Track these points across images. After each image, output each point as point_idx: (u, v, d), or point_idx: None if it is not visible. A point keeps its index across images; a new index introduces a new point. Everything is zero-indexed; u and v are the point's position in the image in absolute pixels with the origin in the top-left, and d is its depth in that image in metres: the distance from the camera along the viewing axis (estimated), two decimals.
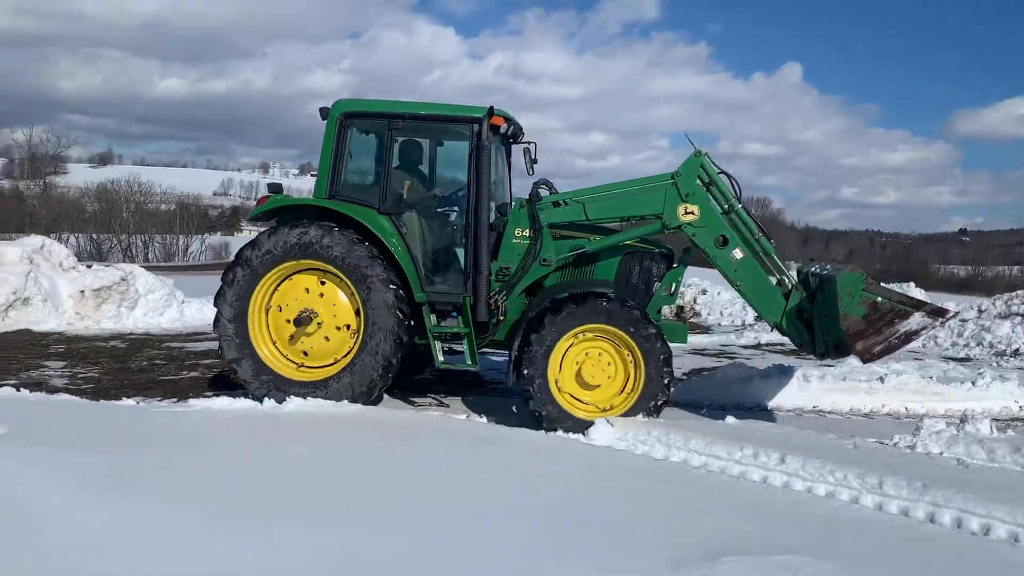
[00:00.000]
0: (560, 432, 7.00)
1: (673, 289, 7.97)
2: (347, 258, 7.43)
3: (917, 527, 4.87)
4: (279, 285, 7.68)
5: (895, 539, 4.61)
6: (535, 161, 8.30)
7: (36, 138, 68.96)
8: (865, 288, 6.71)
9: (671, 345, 7.26)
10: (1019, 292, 16.68)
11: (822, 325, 7.20)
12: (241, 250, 7.68)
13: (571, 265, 7.87)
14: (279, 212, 7.95)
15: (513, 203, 8.00)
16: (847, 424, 8.08)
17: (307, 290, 7.63)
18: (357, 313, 7.57)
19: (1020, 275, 72.36)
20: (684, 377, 9.97)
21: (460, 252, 7.83)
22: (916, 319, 6.72)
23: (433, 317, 7.69)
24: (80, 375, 9.34)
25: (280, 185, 8.31)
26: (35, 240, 14.82)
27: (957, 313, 6.51)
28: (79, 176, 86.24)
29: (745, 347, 14.13)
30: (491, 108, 7.58)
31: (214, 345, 12.06)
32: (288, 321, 7.57)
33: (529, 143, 8.33)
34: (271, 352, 7.68)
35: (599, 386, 7.19)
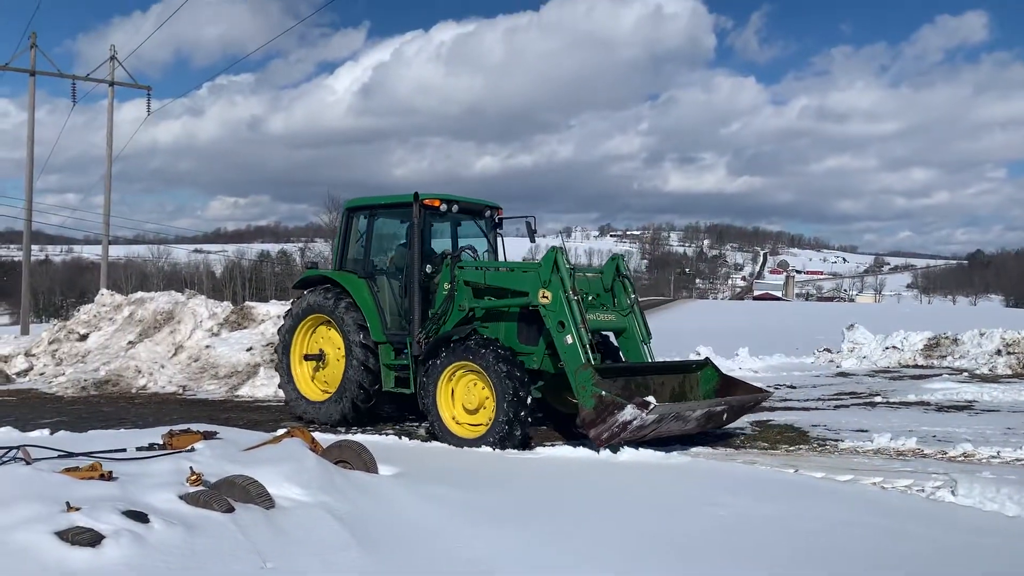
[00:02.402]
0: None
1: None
2: (335, 311, 10.34)
3: None
4: (312, 333, 10.93)
5: None
6: (535, 231, 10.73)
7: None
8: (594, 383, 7.86)
9: None
10: None
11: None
12: (286, 313, 11.30)
13: (488, 315, 9.58)
14: (311, 282, 11.09)
15: (444, 262, 10.03)
16: None
17: (330, 337, 10.69)
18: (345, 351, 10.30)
19: None
20: None
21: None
22: (628, 411, 7.65)
23: (392, 353, 10.19)
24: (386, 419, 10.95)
25: (316, 263, 11.17)
26: None
27: (652, 406, 7.50)
28: None
29: None
30: (416, 194, 9.90)
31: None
32: (304, 357, 10.89)
33: (528, 217, 10.62)
34: (304, 380, 10.95)
35: (478, 410, 8.88)
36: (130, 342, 17.89)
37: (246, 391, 14.91)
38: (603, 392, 7.80)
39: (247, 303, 19.86)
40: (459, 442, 8.75)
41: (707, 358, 9.83)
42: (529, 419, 8.61)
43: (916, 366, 18.31)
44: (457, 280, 9.66)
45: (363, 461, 6.52)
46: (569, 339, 8.53)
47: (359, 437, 8.63)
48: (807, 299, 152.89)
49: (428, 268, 10.08)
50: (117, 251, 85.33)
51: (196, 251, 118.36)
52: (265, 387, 14.83)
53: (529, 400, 8.59)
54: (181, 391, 15.37)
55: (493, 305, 9.52)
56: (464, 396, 9.01)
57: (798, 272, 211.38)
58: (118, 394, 14.95)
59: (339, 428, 10.11)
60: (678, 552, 4.99)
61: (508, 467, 7.70)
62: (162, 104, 73.95)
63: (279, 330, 11.34)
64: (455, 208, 10.28)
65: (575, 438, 9.13)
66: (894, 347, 19.43)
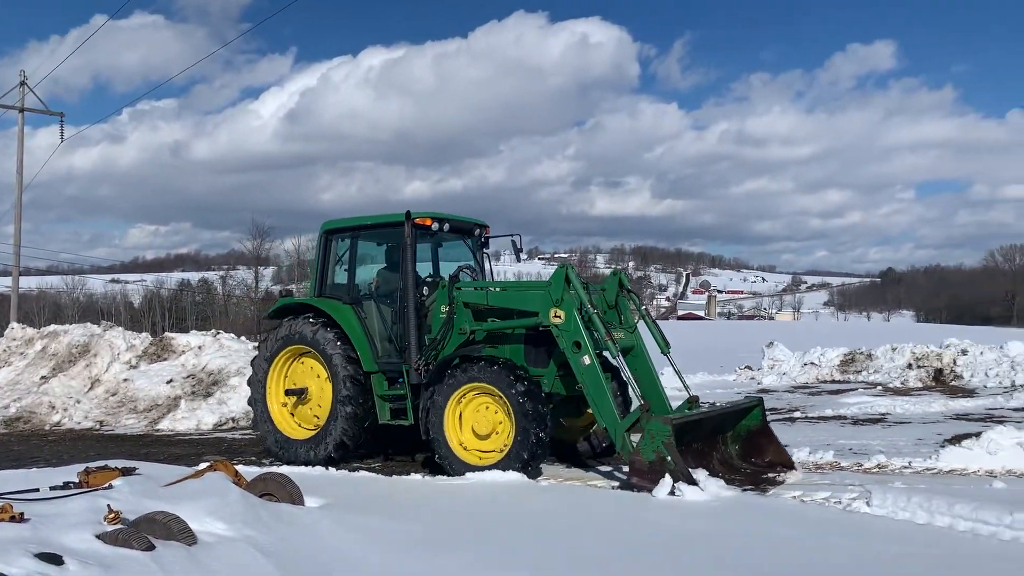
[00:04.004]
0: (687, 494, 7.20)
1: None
2: (318, 341, 9.49)
3: None
4: (289, 366, 9.96)
5: None
6: (520, 250, 10.19)
7: (303, 247, 77.40)
8: (665, 443, 7.26)
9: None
10: None
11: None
12: (258, 344, 10.23)
13: (490, 337, 9.06)
14: (288, 311, 10.11)
15: (439, 284, 9.49)
16: None
17: (309, 369, 9.83)
18: (331, 384, 9.46)
19: None
20: (944, 444, 9.58)
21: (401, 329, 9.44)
22: (676, 484, 7.11)
23: (385, 383, 9.43)
24: (367, 456, 10.61)
25: (291, 290, 10.43)
26: None
27: (699, 484, 7.04)
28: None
29: (1016, 410, 13.13)
30: (408, 213, 9.31)
31: None
32: (285, 392, 9.89)
33: (514, 235, 10.12)
34: (283, 418, 9.91)
35: (489, 435, 8.36)
36: (43, 377, 17.25)
37: (167, 424, 14.51)
38: (668, 457, 7.23)
39: (167, 334, 19.35)
40: (470, 470, 8.21)
41: (760, 398, 9.13)
42: (548, 444, 8.21)
43: (833, 381, 18.94)
44: (456, 302, 9.11)
45: (288, 493, 6.42)
46: (587, 360, 8.12)
47: (337, 473, 8.74)
48: (729, 318, 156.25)
49: (425, 291, 9.57)
50: (29, 282, 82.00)
51: (113, 281, 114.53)
52: (186, 420, 14.47)
53: (549, 425, 8.18)
54: (98, 426, 14.86)
55: (497, 327, 8.98)
56: (474, 420, 8.46)
57: (719, 292, 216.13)
58: (30, 431, 14.38)
59: (329, 467, 9.26)
60: (609, 573, 5.05)
61: (437, 494, 7.69)
62: (78, 130, 71.85)
63: (253, 362, 10.32)
64: (446, 227, 9.62)
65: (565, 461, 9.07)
66: (812, 363, 20.07)
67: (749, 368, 20.96)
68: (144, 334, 19.77)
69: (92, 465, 6.55)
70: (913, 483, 7.46)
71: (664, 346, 8.89)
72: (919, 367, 18.22)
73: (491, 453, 8.34)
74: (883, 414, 12.89)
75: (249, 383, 10.27)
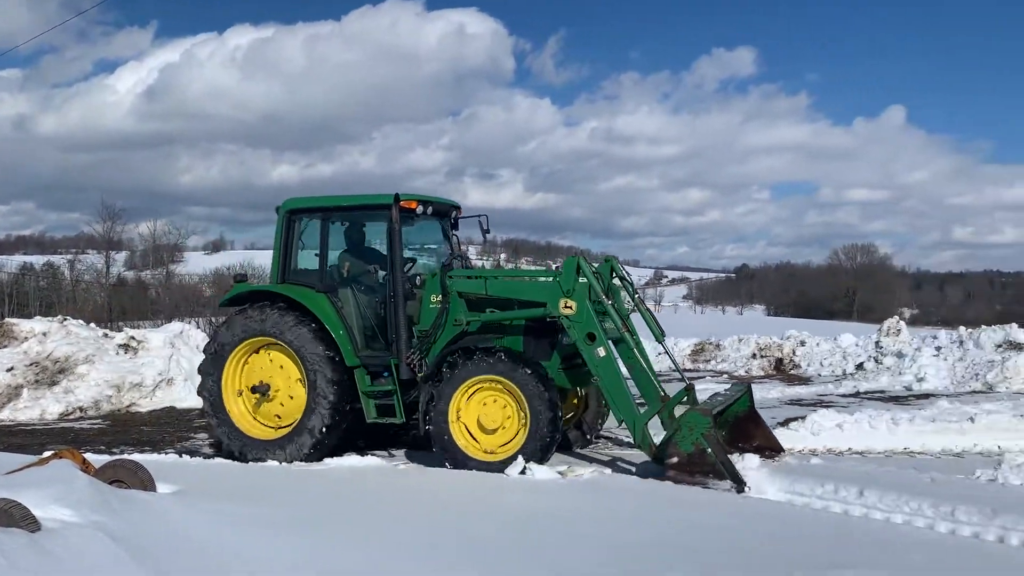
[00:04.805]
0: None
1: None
2: (287, 333, 8.69)
3: (985, 547, 5.31)
4: (247, 360, 9.06)
5: (958, 557, 5.07)
6: (487, 231, 9.58)
7: (159, 231, 73.98)
8: (705, 435, 7.12)
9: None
10: None
11: (666, 439, 7.56)
12: (211, 336, 9.21)
13: (485, 329, 8.62)
14: (244, 299, 9.25)
15: (427, 273, 9.01)
16: (936, 463, 8.33)
17: (271, 361, 8.99)
18: (304, 378, 8.73)
19: None
20: (776, 426, 10.38)
21: (387, 319, 8.84)
22: (724, 485, 7.14)
23: (368, 378, 8.76)
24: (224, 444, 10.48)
25: (245, 275, 9.64)
26: (175, 326, 16.50)
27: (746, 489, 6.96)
28: (195, 264, 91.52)
29: (844, 395, 14.33)
30: (396, 195, 8.69)
31: None
32: (251, 389, 8.94)
33: (480, 216, 9.60)
34: (243, 417, 9.01)
35: (496, 430, 7.99)
36: None
37: (7, 414, 13.73)
38: (708, 448, 7.11)
39: (7, 320, 18.23)
40: (478, 466, 7.88)
41: (748, 384, 9.20)
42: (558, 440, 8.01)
43: (685, 370, 19.97)
44: (450, 291, 8.62)
45: (140, 480, 6.33)
46: (602, 351, 7.90)
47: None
48: None
49: (418, 279, 9.02)
50: None
51: None
52: (28, 409, 13.76)
53: (561, 420, 8.01)
54: None
55: (497, 318, 8.57)
56: (481, 414, 8.06)
57: None
58: None
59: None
60: (469, 553, 5.30)
61: (297, 480, 7.74)
62: None
63: (204, 362, 9.28)
64: (430, 210, 9.09)
65: None
66: (666, 353, 21.06)
67: None
68: None
69: None
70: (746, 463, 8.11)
71: (659, 334, 8.77)
72: (762, 357, 19.49)
73: (504, 448, 7.98)
74: None
75: (200, 389, 9.27)
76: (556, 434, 7.88)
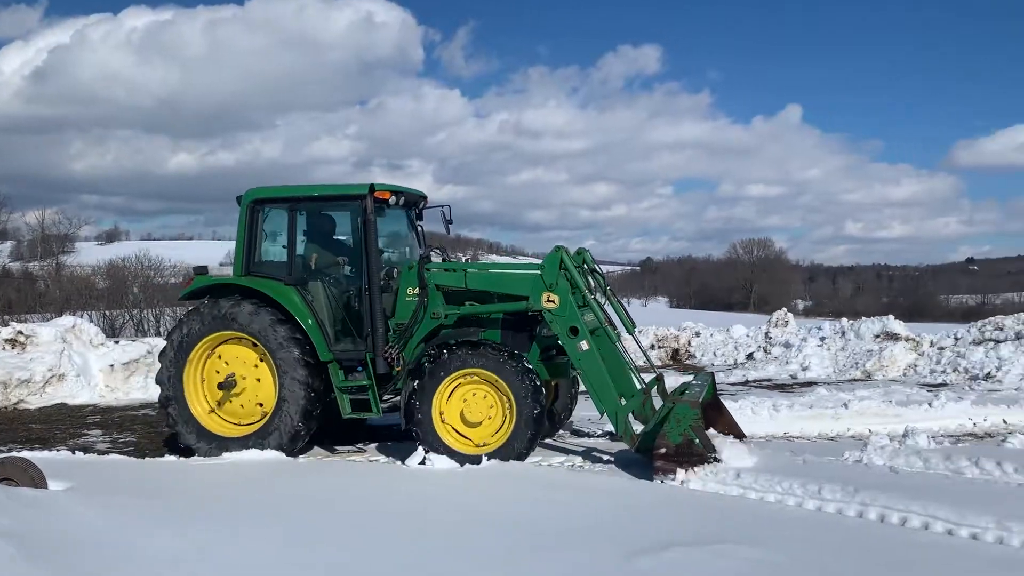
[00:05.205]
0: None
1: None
2: (256, 326, 8.45)
3: (846, 521, 5.80)
4: (209, 356, 8.73)
5: (823, 531, 5.54)
6: (450, 222, 9.49)
7: (48, 220, 70.60)
8: (693, 426, 7.29)
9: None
10: (992, 319, 17.58)
11: (650, 429, 7.73)
12: (170, 332, 8.84)
13: (461, 321, 8.64)
14: (205, 291, 8.99)
15: (404, 266, 8.98)
16: (811, 447, 8.92)
17: (237, 357, 8.68)
18: (274, 375, 8.50)
19: None
20: None
21: (360, 312, 8.73)
22: (698, 467, 7.22)
23: (341, 373, 8.61)
24: (120, 440, 10.30)
25: (205, 267, 9.35)
26: (67, 320, 15.94)
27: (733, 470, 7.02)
28: (88, 255, 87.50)
29: (733, 384, 15.01)
30: (371, 185, 8.57)
31: None
32: (218, 386, 8.62)
33: (443, 206, 9.49)
34: (209, 416, 8.70)
35: (480, 423, 8.01)
36: None
37: None
38: (696, 439, 7.23)
39: None
40: (461, 459, 7.82)
41: (712, 373, 9.43)
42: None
43: None
44: (428, 284, 8.52)
45: (30, 477, 6.24)
46: (584, 345, 7.99)
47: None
48: None
49: (385, 273, 8.81)
50: None
51: None
52: None
53: (545, 412, 8.08)
54: None
55: (475, 311, 8.53)
56: (464, 408, 8.04)
57: None
58: None
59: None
60: (352, 541, 5.46)
61: (192, 474, 7.72)
62: None
63: (162, 355, 8.84)
64: (402, 200, 8.93)
65: None
66: (637, 344, 21.61)
67: None
68: None
69: None
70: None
71: (630, 326, 8.81)
72: (660, 347, 20.16)
73: (487, 443, 7.99)
74: None
75: (159, 380, 8.86)
76: (542, 426, 7.95)
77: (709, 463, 7.20)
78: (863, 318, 18.52)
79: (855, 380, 15.23)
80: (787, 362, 17.03)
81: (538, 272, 8.29)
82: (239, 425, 8.68)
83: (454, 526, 5.76)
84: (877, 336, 17.32)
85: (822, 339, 17.91)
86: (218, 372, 8.69)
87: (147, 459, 8.50)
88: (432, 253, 9.13)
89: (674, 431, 7.33)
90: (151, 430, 11.03)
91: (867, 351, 16.82)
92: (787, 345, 18.09)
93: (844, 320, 18.80)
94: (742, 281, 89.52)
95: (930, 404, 10.15)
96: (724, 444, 7.58)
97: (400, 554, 5.05)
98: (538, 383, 7.92)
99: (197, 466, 8.07)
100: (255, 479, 7.42)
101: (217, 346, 8.72)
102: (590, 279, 8.73)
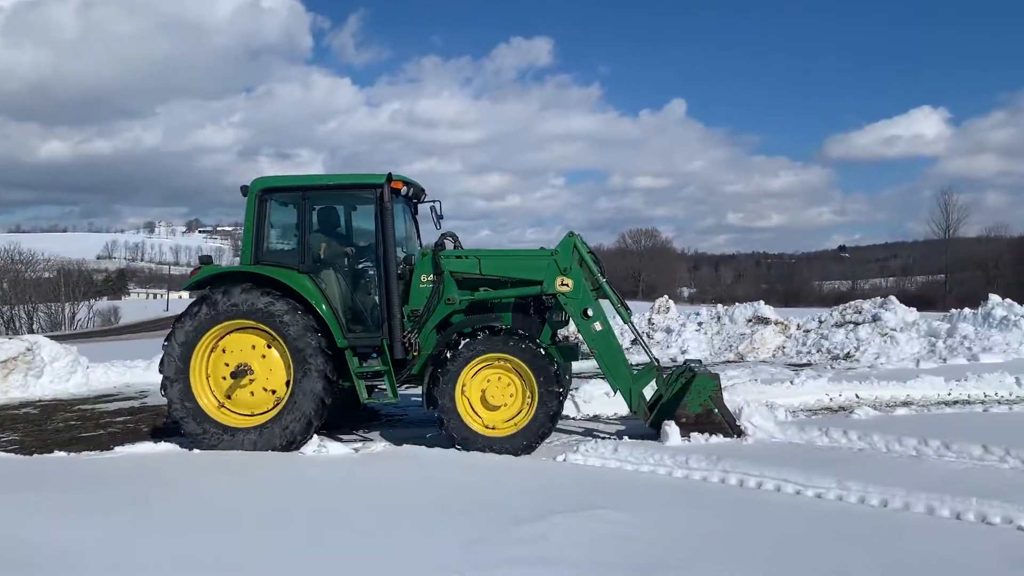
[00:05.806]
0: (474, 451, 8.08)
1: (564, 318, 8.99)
2: (273, 315, 8.36)
3: (709, 487, 6.44)
4: (217, 345, 8.55)
5: (690, 495, 6.15)
6: (441, 216, 9.57)
7: None
8: (712, 396, 8.00)
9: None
10: (852, 303, 19.02)
11: (666, 403, 8.30)
12: (176, 320, 8.64)
13: (474, 308, 8.86)
14: (211, 281, 8.78)
15: (417, 253, 9.26)
16: None
17: (243, 348, 8.53)
18: (288, 362, 8.45)
19: (894, 285, 78.26)
20: None
21: (375, 300, 8.81)
22: (719, 435, 7.89)
23: (356, 360, 8.65)
24: (3, 439, 10.05)
25: (210, 256, 9.30)
26: None
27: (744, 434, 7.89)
28: None
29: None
30: (389, 174, 8.65)
31: (125, 405, 12.88)
32: (225, 377, 8.49)
33: (435, 202, 9.58)
34: (216, 406, 8.52)
35: (502, 407, 8.19)
36: None
37: None
38: (716, 409, 7.94)
39: None
40: (484, 442, 8.01)
41: (700, 361, 9.79)
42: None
43: None
44: (443, 271, 8.71)
45: None
46: (598, 326, 8.36)
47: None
48: None
49: (404, 261, 8.85)
50: None
51: None
52: None
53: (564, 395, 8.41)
54: None
55: (490, 296, 8.74)
56: (485, 391, 8.18)
57: None
58: None
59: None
60: (247, 525, 5.70)
61: (98, 467, 7.63)
62: None
63: (168, 344, 8.55)
64: (411, 191, 9.15)
65: None
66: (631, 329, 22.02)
67: None
68: None
69: None
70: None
71: (626, 314, 8.88)
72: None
73: (507, 424, 8.15)
74: None
75: (162, 367, 8.55)
76: (561, 408, 8.21)
77: (728, 434, 7.84)
78: (736, 304, 19.69)
79: (728, 362, 16.25)
80: (668, 346, 17.97)
81: (552, 257, 8.61)
82: (245, 416, 8.52)
83: (339, 503, 6.04)
84: (749, 320, 18.48)
85: (700, 324, 18.95)
86: (227, 365, 8.53)
87: (35, 456, 8.39)
88: (445, 240, 9.21)
89: (693, 401, 7.96)
90: (34, 428, 10.80)
91: (740, 335, 17.92)
92: (668, 330, 19.04)
93: (719, 306, 19.92)
94: (631, 270, 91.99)
95: (792, 382, 11.05)
96: (754, 411, 8.14)
97: (280, 538, 5.30)
98: (557, 367, 8.08)
99: (105, 459, 7.98)
100: (155, 469, 7.45)
101: (224, 336, 8.56)
102: (587, 266, 8.88)
